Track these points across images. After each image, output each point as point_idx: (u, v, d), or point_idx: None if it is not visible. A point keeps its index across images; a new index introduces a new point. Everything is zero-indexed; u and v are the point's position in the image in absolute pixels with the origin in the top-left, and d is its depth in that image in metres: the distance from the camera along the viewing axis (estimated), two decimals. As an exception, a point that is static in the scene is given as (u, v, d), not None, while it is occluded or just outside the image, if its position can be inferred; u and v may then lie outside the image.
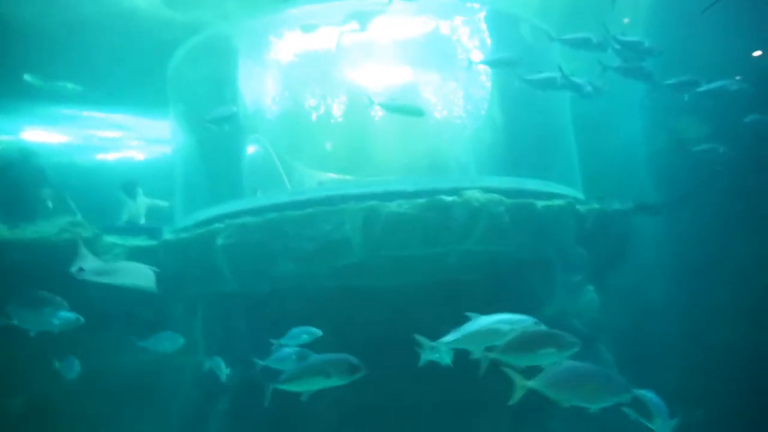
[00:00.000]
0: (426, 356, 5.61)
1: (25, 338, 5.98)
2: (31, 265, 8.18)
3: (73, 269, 5.76)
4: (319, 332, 6.58)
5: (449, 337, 4.87)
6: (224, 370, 7.45)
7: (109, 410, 8.85)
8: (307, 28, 10.04)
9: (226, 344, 8.40)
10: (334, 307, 7.69)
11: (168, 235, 8.79)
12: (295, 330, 6.53)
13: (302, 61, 10.94)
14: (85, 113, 17.35)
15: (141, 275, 5.75)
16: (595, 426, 6.12)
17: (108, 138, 19.48)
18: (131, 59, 12.90)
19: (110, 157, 20.02)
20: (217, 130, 10.01)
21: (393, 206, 7.38)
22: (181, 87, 10.47)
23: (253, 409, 8.21)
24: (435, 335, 5.89)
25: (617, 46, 7.88)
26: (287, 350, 6.14)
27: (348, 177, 10.96)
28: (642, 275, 11.31)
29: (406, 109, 8.52)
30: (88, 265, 5.73)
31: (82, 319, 5.81)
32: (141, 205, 10.62)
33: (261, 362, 6.39)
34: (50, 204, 9.93)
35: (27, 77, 13.76)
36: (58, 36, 12.40)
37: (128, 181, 10.83)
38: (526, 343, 4.31)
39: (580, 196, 9.53)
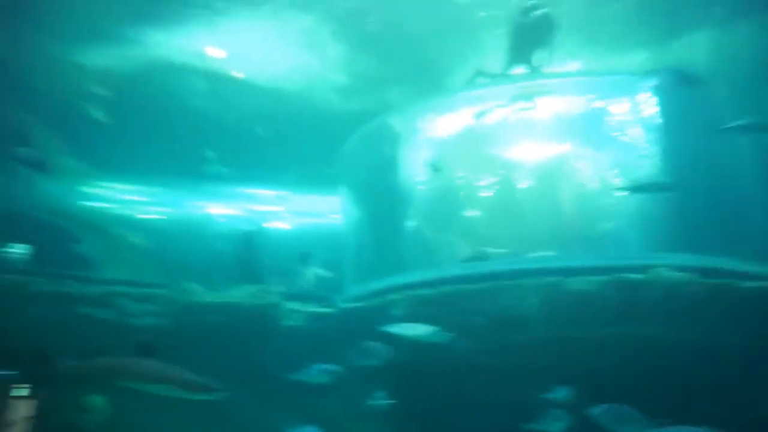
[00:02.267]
0: None
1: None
2: (224, 325, 9.08)
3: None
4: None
5: None
6: None
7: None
8: (477, 113, 10.47)
9: (395, 417, 8.43)
10: (508, 386, 7.50)
11: (343, 304, 9.25)
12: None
13: (455, 139, 11.40)
14: (247, 190, 19.43)
15: (431, 332, 6.66)
16: None
17: (263, 211, 21.48)
18: (293, 143, 14.32)
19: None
20: (383, 204, 10.65)
21: (575, 283, 7.18)
22: (352, 167, 11.36)
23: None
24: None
25: None
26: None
27: (500, 250, 10.92)
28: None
29: (653, 187, 8.32)
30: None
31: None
32: (312, 273, 11.40)
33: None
34: (266, 276, 11.05)
35: (207, 153, 15.44)
36: (234, 126, 14.22)
37: (304, 252, 11.74)
38: None
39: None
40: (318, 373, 6.80)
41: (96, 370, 5.10)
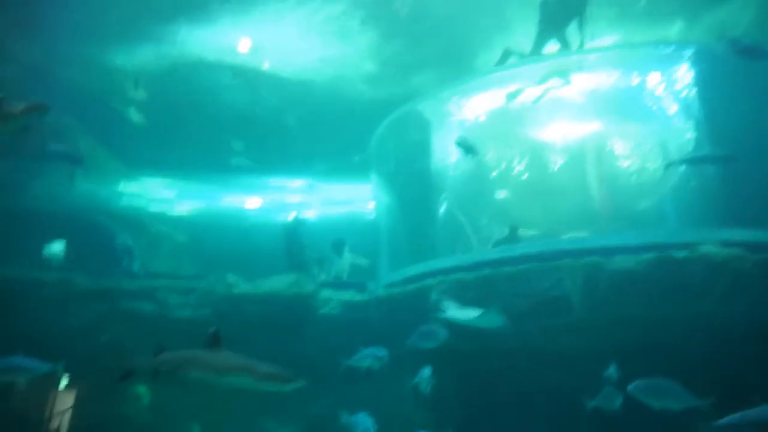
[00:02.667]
0: None
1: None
2: (263, 315, 9.20)
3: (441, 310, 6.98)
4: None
5: None
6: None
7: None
8: (509, 93, 10.27)
9: (434, 401, 8.40)
10: (547, 369, 7.39)
11: (379, 291, 9.25)
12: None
13: (487, 121, 11.22)
14: (277, 181, 19.56)
15: (485, 316, 6.62)
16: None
17: (290, 202, 21.62)
18: (323, 132, 14.30)
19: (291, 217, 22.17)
20: (415, 189, 10.57)
21: (617, 262, 7.02)
22: (382, 154, 11.31)
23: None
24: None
25: None
26: None
27: (533, 231, 10.74)
28: None
29: (709, 159, 8.02)
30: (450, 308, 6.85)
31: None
32: (346, 261, 11.44)
33: None
34: (317, 270, 11.17)
35: (235, 144, 15.37)
36: (264, 118, 14.27)
37: (337, 240, 11.79)
38: None
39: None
40: (368, 358, 6.82)
41: (170, 365, 4.91)
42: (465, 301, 7.68)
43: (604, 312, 7.02)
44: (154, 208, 18.81)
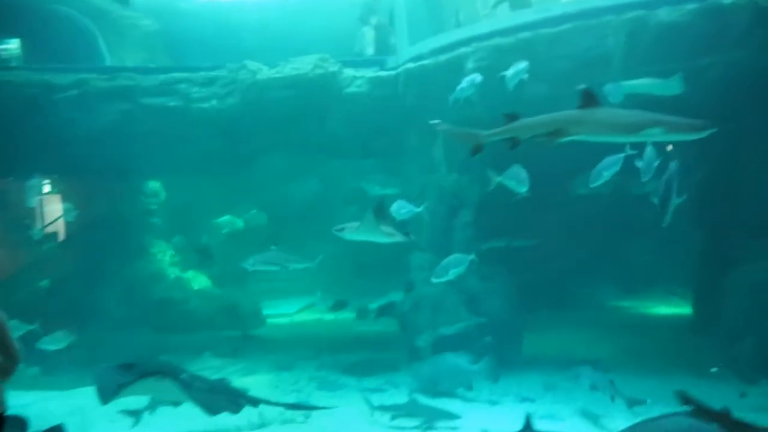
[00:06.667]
0: None
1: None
2: (290, 99, 9.06)
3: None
4: None
5: None
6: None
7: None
8: None
9: (467, 164, 8.85)
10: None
11: (407, 64, 9.02)
12: None
13: None
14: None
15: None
16: None
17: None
18: None
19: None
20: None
21: (660, 14, 6.94)
22: None
23: (491, 220, 9.00)
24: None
25: None
26: None
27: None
28: None
29: None
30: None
31: None
32: (370, 36, 10.73)
33: None
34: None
35: None
36: None
37: (364, 13, 10.86)
38: None
39: None
40: None
41: (534, 128, 4.62)
42: (504, 68, 7.57)
43: (646, 67, 7.12)
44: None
